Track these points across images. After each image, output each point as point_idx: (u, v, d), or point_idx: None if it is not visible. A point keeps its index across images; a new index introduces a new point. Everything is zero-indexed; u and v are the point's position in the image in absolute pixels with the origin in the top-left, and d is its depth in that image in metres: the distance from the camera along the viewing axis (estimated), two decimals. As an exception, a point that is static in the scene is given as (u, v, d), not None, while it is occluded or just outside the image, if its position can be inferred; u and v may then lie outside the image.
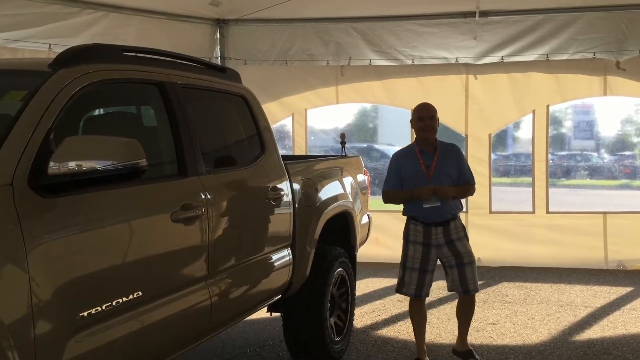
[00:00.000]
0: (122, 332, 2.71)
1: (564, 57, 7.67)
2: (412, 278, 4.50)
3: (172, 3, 7.41)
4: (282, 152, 4.58)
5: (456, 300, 4.74)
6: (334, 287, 4.72)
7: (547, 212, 7.99)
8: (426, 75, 8.06)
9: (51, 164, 2.43)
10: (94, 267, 2.60)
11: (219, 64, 7.44)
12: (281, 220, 4.18)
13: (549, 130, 8.15)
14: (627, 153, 18.83)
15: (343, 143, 5.67)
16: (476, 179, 4.71)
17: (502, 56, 7.81)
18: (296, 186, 4.33)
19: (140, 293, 2.80)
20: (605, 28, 7.50)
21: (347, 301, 4.95)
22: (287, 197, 4.20)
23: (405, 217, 4.61)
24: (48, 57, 3.71)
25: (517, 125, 12.88)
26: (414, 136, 4.78)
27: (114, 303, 2.65)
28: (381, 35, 8.04)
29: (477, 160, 7.71)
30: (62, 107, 2.63)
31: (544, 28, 7.66)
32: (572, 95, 8.24)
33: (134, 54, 3.32)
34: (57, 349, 2.38)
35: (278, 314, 4.64)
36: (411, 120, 4.62)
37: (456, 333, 4.80)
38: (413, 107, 4.65)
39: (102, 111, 3.68)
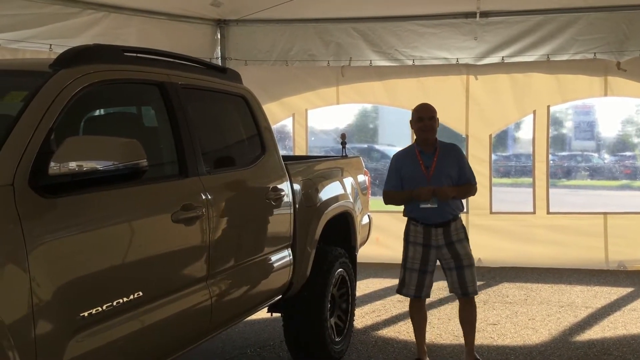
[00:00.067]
0: (123, 333, 2.71)
1: (565, 57, 7.67)
2: (411, 279, 4.49)
3: (172, 3, 7.41)
4: (282, 152, 4.59)
5: (456, 301, 4.74)
6: (334, 287, 4.72)
7: (548, 212, 7.99)
8: (427, 75, 8.07)
9: (52, 164, 2.43)
10: (94, 267, 2.61)
11: (220, 64, 7.45)
12: (282, 221, 4.18)
13: (550, 130, 8.15)
14: (628, 154, 18.82)
15: (343, 143, 5.67)
16: (477, 179, 4.69)
17: (503, 57, 7.82)
18: (297, 186, 4.33)
19: (140, 293, 2.80)
20: (606, 28, 7.50)
21: (347, 301, 4.95)
22: (287, 198, 4.20)
23: (405, 218, 4.61)
24: (49, 58, 3.71)
25: (517, 126, 12.89)
26: (415, 137, 4.78)
27: (114, 303, 2.65)
28: (382, 36, 8.05)
29: (478, 160, 7.70)
30: (62, 107, 2.63)
31: (544, 28, 7.66)
32: (572, 96, 8.24)
33: (134, 55, 3.32)
34: (57, 349, 2.38)
35: (278, 315, 4.64)
36: (411, 121, 4.61)
37: (456, 333, 4.80)
38: (413, 108, 4.64)
39: (102, 111, 3.68)
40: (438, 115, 4.54)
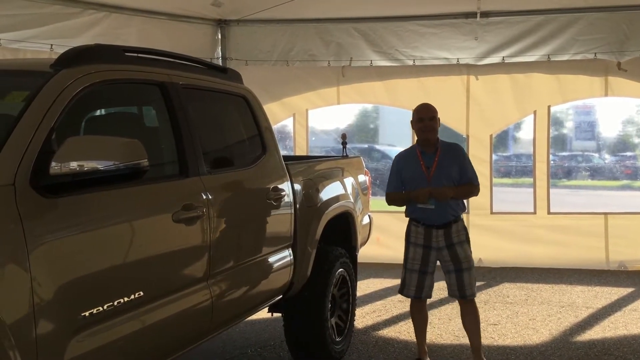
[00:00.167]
0: (124, 332, 2.72)
1: (565, 57, 7.66)
2: (412, 280, 4.49)
3: (173, 3, 7.41)
4: (283, 152, 4.58)
5: (457, 302, 4.73)
6: (335, 287, 4.72)
7: (549, 212, 7.99)
8: (427, 75, 8.07)
9: (53, 164, 2.44)
10: (95, 267, 2.61)
11: (220, 64, 7.45)
12: (282, 221, 4.18)
13: (550, 130, 8.15)
14: (629, 154, 18.81)
15: (344, 143, 5.67)
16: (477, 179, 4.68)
17: (503, 57, 7.81)
18: (297, 186, 4.34)
19: (141, 293, 2.80)
20: (607, 29, 7.49)
21: (348, 301, 4.96)
22: (288, 198, 4.20)
23: (407, 218, 4.61)
24: (50, 58, 3.71)
25: (518, 126, 12.89)
26: (416, 137, 4.77)
27: (115, 303, 2.65)
28: (382, 36, 8.04)
29: (478, 160, 7.68)
30: (64, 107, 2.63)
31: (545, 29, 7.65)
32: (573, 96, 8.24)
33: (135, 55, 3.33)
34: (58, 349, 2.38)
35: (279, 315, 4.64)
36: (411, 122, 4.59)
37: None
38: (414, 108, 4.63)
39: (103, 111, 3.68)
40: (439, 116, 4.53)
